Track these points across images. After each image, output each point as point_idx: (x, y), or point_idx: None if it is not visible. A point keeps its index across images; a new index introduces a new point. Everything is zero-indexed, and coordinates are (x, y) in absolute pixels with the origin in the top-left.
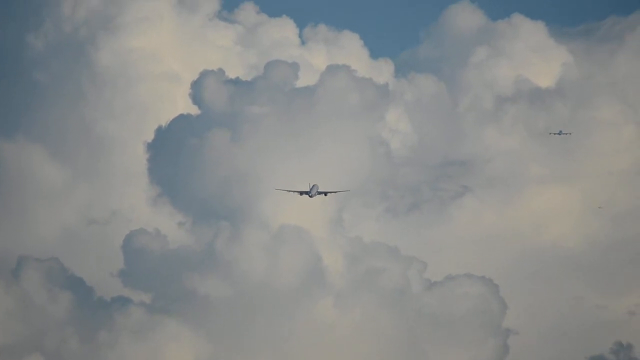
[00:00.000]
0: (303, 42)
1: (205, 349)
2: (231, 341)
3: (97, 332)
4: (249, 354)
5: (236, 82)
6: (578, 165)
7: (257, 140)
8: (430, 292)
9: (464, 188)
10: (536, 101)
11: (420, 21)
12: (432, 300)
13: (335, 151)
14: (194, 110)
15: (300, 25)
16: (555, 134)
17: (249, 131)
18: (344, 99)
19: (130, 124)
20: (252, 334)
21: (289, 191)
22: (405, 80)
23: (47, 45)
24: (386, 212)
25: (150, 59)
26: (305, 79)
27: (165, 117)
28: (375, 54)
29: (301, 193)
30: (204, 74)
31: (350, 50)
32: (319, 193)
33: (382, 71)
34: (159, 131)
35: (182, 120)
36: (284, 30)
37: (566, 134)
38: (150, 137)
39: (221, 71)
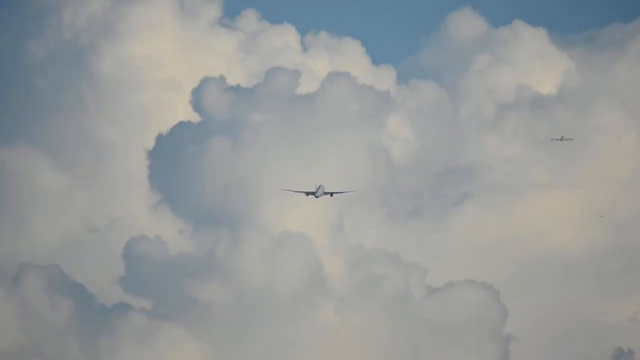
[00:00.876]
0: (304, 49)
1: (206, 355)
2: (232, 348)
3: (98, 339)
4: None
5: (237, 89)
6: (579, 172)
7: (258, 147)
8: (431, 298)
9: (465, 195)
10: (538, 108)
11: (421, 28)
12: (433, 306)
13: (336, 158)
14: (194, 117)
15: (302, 32)
16: (557, 139)
17: (249, 138)
18: (346, 106)
19: (131, 131)
20: (253, 340)
21: (296, 192)
22: (407, 87)
23: (48, 52)
24: (387, 218)
25: (151, 66)
26: (306, 86)
27: (166, 125)
28: (376, 60)
29: (307, 194)
30: (205, 81)
31: (352, 57)
32: (325, 193)
33: (384, 78)
34: (160, 138)
35: (182, 127)
36: (285, 37)
37: (568, 139)
38: (151, 144)
39: (222, 78)
